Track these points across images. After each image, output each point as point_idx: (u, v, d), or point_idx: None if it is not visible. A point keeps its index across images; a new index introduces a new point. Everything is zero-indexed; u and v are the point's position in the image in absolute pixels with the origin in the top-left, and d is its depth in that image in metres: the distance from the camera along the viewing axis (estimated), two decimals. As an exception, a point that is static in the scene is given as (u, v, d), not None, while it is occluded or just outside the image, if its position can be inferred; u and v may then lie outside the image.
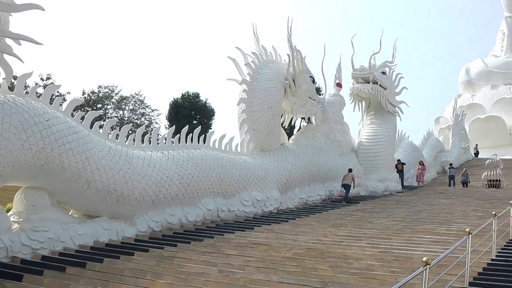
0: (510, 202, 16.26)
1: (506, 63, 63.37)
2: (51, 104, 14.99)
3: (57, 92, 40.74)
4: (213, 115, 51.54)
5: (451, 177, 35.84)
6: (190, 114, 49.04)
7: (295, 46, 24.30)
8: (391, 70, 32.40)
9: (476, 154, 52.95)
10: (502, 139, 55.65)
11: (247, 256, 14.07)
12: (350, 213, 22.30)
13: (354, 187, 27.21)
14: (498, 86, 60.49)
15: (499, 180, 34.72)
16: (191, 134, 19.42)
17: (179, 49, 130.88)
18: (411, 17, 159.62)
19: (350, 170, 26.96)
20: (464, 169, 37.05)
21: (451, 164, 38.60)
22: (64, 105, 15.88)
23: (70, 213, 15.89)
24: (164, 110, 52.69)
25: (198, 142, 19.79)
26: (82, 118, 15.64)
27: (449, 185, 34.94)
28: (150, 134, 18.16)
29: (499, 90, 59.93)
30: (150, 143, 17.94)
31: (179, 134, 19.03)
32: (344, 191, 26.35)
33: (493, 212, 13.88)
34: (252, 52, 23.76)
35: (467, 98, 61.92)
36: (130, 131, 30.11)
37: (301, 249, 14.73)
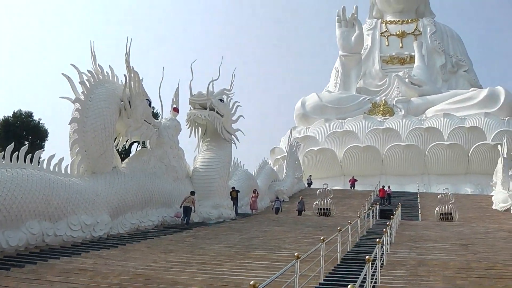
0: (338, 228, 17.45)
1: (339, 99, 67.65)
2: None
3: None
4: (46, 136, 49.45)
5: (276, 209, 37.87)
6: (22, 134, 46.68)
7: (133, 67, 24.35)
8: (229, 98, 33.35)
9: (309, 184, 55.68)
10: (333, 170, 59.28)
11: (71, 282, 13.74)
12: (183, 239, 22.55)
13: (194, 211, 27.79)
14: (331, 120, 64.31)
15: (329, 209, 37.01)
16: (16, 152, 18.62)
17: (11, 64, 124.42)
18: (251, 48, 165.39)
19: (192, 193, 27.65)
20: (300, 198, 39.01)
21: (277, 197, 40.58)
22: None
23: None
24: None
25: (25, 162, 19.01)
26: None
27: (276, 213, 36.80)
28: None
29: (332, 124, 63.73)
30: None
31: (3, 152, 18.17)
32: (182, 212, 26.84)
33: (322, 238, 14.84)
34: (88, 71, 23.38)
35: (302, 130, 65.07)
36: None
37: (129, 275, 14.67)
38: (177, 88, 31.44)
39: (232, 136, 33.53)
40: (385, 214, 34.04)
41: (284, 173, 49.99)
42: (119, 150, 26.80)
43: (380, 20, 76.92)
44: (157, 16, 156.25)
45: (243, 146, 35.18)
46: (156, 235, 23.67)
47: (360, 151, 59.01)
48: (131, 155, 30.10)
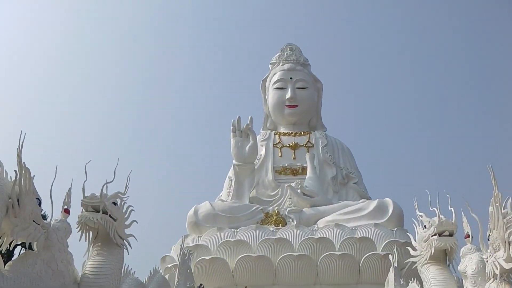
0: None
1: (231, 208, 67.55)
2: None
3: None
4: None
5: None
6: None
7: (24, 163, 23.47)
8: (123, 202, 32.65)
9: (199, 293, 54.41)
10: (225, 280, 58.17)
11: None
12: None
13: None
14: (224, 229, 63.87)
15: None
16: None
17: None
18: (145, 153, 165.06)
19: None
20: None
21: None
22: None
23: None
24: None
25: None
26: None
27: None
28: None
29: (224, 233, 63.21)
30: None
31: None
32: None
33: None
34: (-27, 165, 22.32)
35: (194, 239, 64.15)
36: None
37: None
38: (70, 189, 30.44)
39: (125, 241, 32.54)
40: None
41: (175, 281, 48.64)
42: (2, 252, 25.16)
43: (274, 131, 79.33)
44: (51, 115, 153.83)
45: (133, 252, 34.19)
46: None
47: (252, 261, 58.53)
48: (14, 258, 28.40)
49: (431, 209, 31.42)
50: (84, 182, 32.23)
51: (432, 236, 30.05)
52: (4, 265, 25.09)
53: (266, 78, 78.76)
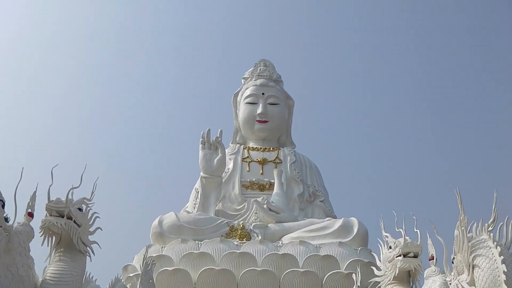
0: None
1: (196, 220, 66.55)
2: None
3: None
4: None
5: None
6: None
7: (-10, 164, 22.99)
8: (88, 208, 32.07)
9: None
10: (187, 292, 57.81)
11: None
12: None
13: None
14: (188, 240, 63.05)
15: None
16: None
17: None
18: (110, 159, 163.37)
19: None
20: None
21: None
22: None
23: None
24: None
25: None
26: None
27: None
28: None
29: (188, 244, 62.33)
30: None
31: None
32: None
33: None
34: None
35: (157, 249, 63.23)
36: None
37: None
38: (34, 192, 29.75)
39: (88, 248, 31.94)
40: None
41: (137, 292, 48.01)
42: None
43: (243, 146, 79.01)
44: (20, 114, 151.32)
45: (96, 260, 33.56)
46: None
47: (215, 274, 57.71)
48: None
49: (397, 230, 31.55)
50: (50, 186, 31.57)
51: (397, 256, 30.18)
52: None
53: (238, 92, 78.55)
